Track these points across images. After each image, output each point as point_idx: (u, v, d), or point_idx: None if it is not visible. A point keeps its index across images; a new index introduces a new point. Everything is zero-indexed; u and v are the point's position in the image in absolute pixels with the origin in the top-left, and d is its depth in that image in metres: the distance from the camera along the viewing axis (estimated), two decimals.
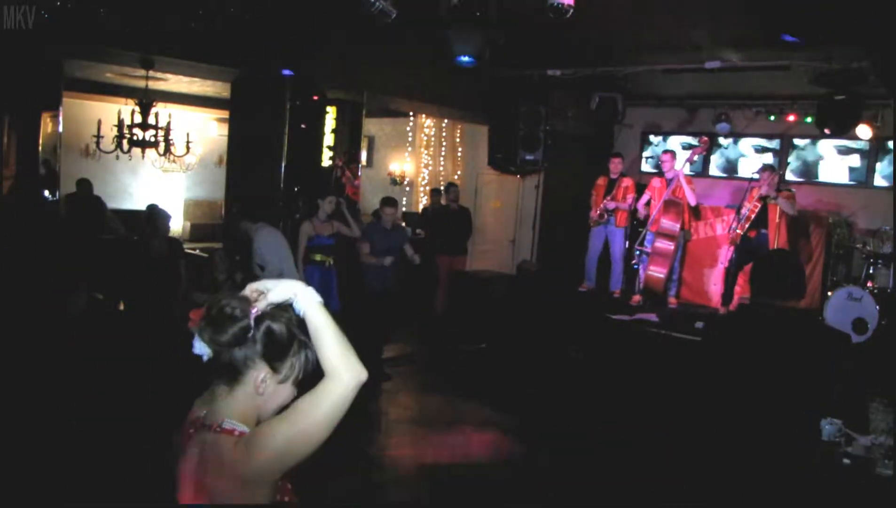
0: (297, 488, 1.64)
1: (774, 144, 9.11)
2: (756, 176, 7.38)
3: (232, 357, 1.57)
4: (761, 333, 2.79)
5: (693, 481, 2.95)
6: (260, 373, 1.59)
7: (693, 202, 7.74)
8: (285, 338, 1.60)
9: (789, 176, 8.65)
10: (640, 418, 5.72)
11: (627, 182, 8.17)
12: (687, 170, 7.97)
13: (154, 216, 6.89)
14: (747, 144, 9.32)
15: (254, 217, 5.96)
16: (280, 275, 5.81)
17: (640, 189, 8.36)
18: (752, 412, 2.71)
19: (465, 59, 5.83)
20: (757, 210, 7.25)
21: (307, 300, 1.56)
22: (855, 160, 8.61)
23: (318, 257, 6.30)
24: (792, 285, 2.83)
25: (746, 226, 7.28)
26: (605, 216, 8.14)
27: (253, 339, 1.57)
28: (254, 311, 1.56)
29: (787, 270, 2.89)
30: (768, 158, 9.02)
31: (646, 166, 10.10)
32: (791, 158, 8.95)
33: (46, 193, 6.28)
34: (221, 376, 1.59)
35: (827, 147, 8.73)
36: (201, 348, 1.56)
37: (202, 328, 1.55)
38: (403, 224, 11.21)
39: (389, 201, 6.84)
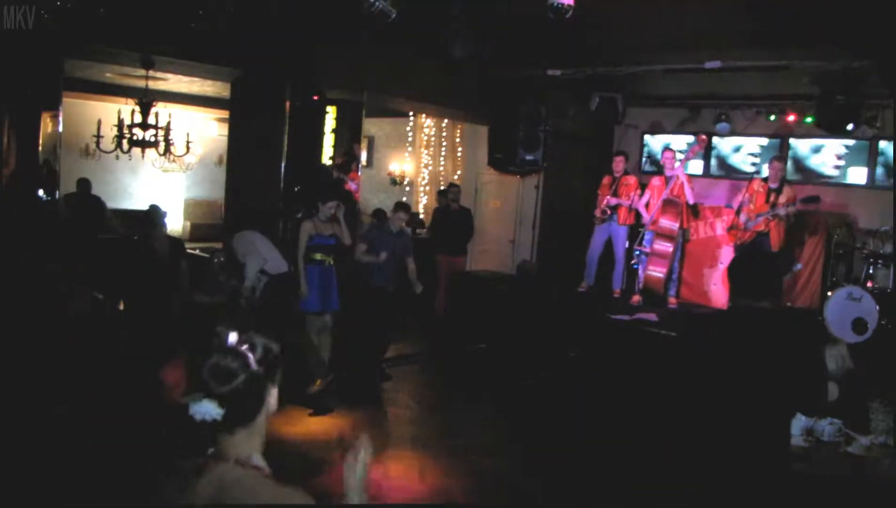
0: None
1: (774, 144, 9.11)
2: (757, 175, 7.45)
3: (249, 401, 1.59)
4: (744, 332, 2.82)
5: (690, 477, 2.96)
6: (272, 396, 1.65)
7: (692, 201, 7.76)
8: (279, 353, 1.64)
9: (790, 176, 8.64)
10: (639, 417, 5.72)
11: (631, 180, 8.19)
12: (686, 169, 8.01)
13: (154, 217, 6.91)
14: (747, 144, 9.32)
15: (234, 231, 6.10)
16: (262, 262, 5.91)
17: (641, 189, 8.37)
18: (743, 406, 2.73)
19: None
20: (769, 209, 7.32)
21: None
22: (855, 160, 8.61)
23: (318, 257, 6.29)
24: (763, 287, 2.88)
25: (762, 227, 7.33)
26: (608, 213, 8.16)
27: (261, 372, 1.60)
28: (251, 358, 1.58)
29: (757, 272, 2.94)
30: (760, 162, 9.05)
31: (647, 166, 10.09)
32: (791, 159, 8.95)
33: (42, 192, 6.27)
34: (240, 420, 1.60)
35: (827, 147, 8.73)
36: (209, 411, 1.54)
37: (210, 391, 1.54)
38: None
39: (404, 207, 6.81)
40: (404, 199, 12.29)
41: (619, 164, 8.22)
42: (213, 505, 1.50)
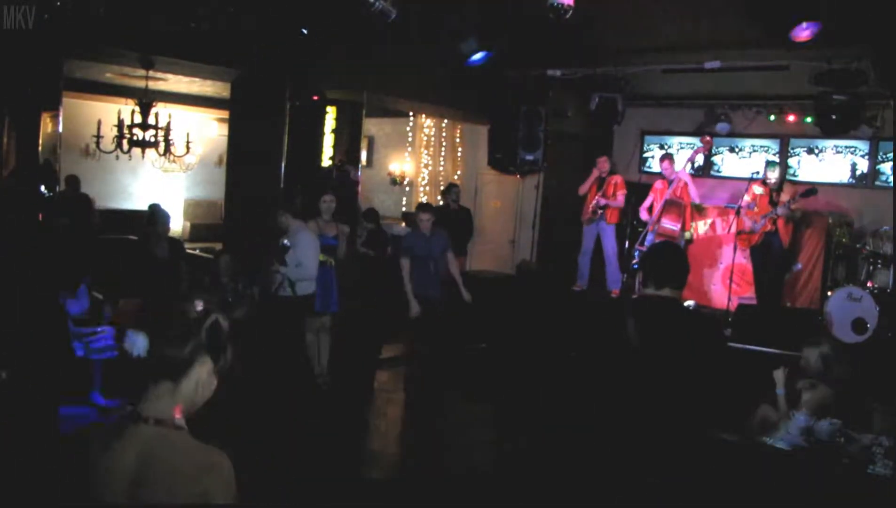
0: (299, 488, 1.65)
1: (774, 144, 9.11)
2: (757, 176, 7.48)
3: (180, 353, 1.60)
4: (645, 321, 2.84)
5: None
6: (206, 366, 1.64)
7: (696, 200, 7.86)
8: (227, 330, 1.65)
9: (790, 176, 8.65)
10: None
11: (617, 179, 8.27)
12: (689, 169, 8.06)
13: (155, 217, 6.89)
14: (747, 144, 9.32)
15: (295, 214, 5.96)
16: (311, 277, 5.85)
17: (637, 189, 8.39)
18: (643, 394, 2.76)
19: (477, 56, 5.78)
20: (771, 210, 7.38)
21: None
22: (855, 160, 8.61)
23: (320, 257, 6.28)
24: (669, 274, 2.90)
25: (769, 227, 7.38)
26: (598, 213, 8.21)
27: (201, 333, 1.61)
28: (199, 307, 1.61)
29: (668, 260, 2.97)
30: (760, 161, 9.06)
31: (645, 167, 10.10)
32: (791, 159, 8.95)
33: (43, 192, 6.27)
34: (165, 372, 1.60)
35: (827, 147, 8.73)
36: (139, 343, 1.57)
37: (145, 325, 1.57)
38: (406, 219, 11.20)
39: (424, 207, 6.51)
40: (404, 199, 12.31)
41: (603, 164, 8.33)
42: None
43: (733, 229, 7.66)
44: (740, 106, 8.96)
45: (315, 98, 7.30)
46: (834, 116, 7.31)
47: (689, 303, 7.39)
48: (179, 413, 1.60)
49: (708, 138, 8.34)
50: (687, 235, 7.87)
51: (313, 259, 5.86)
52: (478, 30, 5.75)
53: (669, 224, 7.72)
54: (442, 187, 10.20)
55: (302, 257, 5.76)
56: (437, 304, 6.48)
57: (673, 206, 7.74)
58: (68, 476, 1.57)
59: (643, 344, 2.77)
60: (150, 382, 1.60)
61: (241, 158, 7.68)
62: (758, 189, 7.55)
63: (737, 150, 9.42)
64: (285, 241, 5.67)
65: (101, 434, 1.57)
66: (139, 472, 1.50)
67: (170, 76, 8.65)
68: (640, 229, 8.08)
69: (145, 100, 8.34)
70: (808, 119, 8.20)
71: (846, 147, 8.59)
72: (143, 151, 8.70)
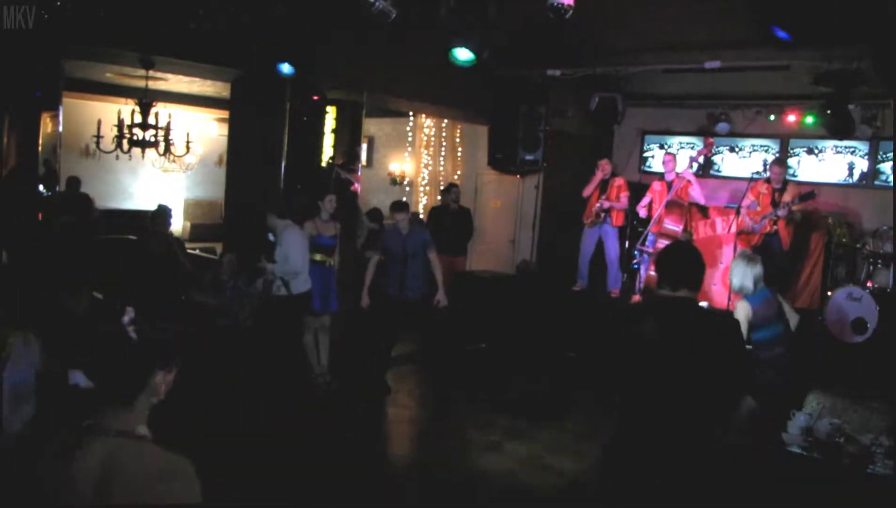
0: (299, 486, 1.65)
1: (774, 144, 9.11)
2: (757, 176, 7.49)
3: (128, 376, 1.59)
4: (665, 323, 2.81)
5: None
6: (157, 376, 1.64)
7: (702, 201, 7.87)
8: (169, 337, 1.65)
9: (790, 177, 8.65)
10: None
11: (619, 182, 8.25)
12: (693, 170, 8.08)
13: (160, 216, 6.91)
14: (747, 144, 9.33)
15: (282, 214, 6.08)
16: (298, 272, 5.93)
17: (637, 189, 8.38)
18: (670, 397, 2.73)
19: (465, 59, 5.84)
20: (772, 210, 7.39)
21: None
22: (855, 160, 8.61)
23: (318, 257, 6.29)
24: (685, 275, 2.85)
25: (768, 228, 7.39)
26: (602, 216, 8.18)
27: (144, 350, 1.61)
28: (127, 317, 1.58)
29: (683, 261, 2.93)
30: (760, 161, 9.06)
31: (645, 166, 10.09)
32: (791, 159, 8.95)
33: (42, 191, 6.27)
34: (121, 394, 1.60)
35: (827, 147, 8.73)
36: (80, 379, 1.59)
37: (83, 362, 1.57)
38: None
39: (399, 206, 6.27)
40: (404, 199, 12.28)
41: (606, 166, 8.30)
42: None
43: (734, 229, 7.66)
44: (740, 106, 8.96)
45: (315, 98, 7.30)
46: (833, 116, 7.30)
47: (703, 304, 7.38)
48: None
49: (710, 140, 8.33)
50: (686, 235, 7.85)
51: (300, 254, 5.95)
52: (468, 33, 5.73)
53: (672, 225, 7.72)
54: (442, 187, 10.20)
55: (288, 251, 5.86)
56: (416, 304, 6.25)
57: (675, 206, 7.74)
58: (16, 482, 1.57)
59: (665, 345, 2.73)
60: (104, 407, 1.60)
61: (241, 158, 7.68)
62: (762, 189, 7.53)
63: (737, 150, 9.42)
64: (270, 236, 5.80)
65: (61, 444, 1.57)
66: (104, 479, 1.51)
67: (170, 76, 8.65)
68: (641, 230, 8.08)
69: (145, 100, 8.34)
70: (808, 119, 8.20)
71: (846, 147, 8.59)
72: (143, 151, 8.70)
